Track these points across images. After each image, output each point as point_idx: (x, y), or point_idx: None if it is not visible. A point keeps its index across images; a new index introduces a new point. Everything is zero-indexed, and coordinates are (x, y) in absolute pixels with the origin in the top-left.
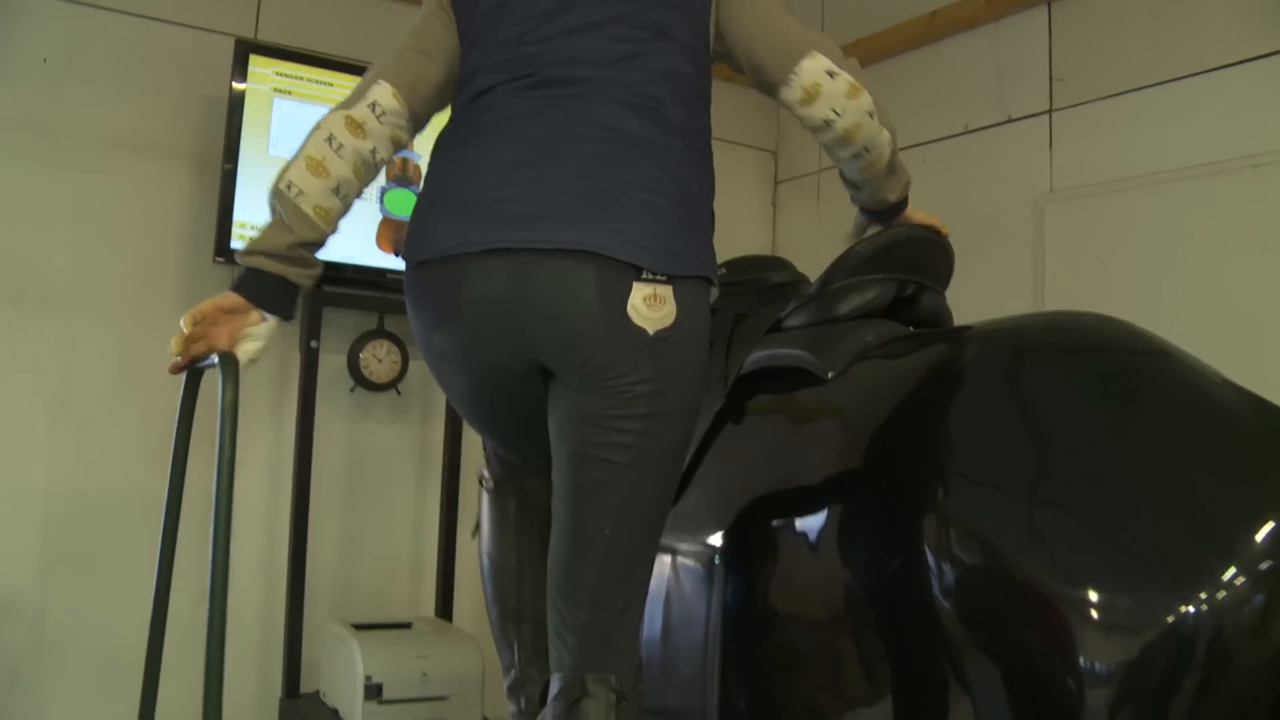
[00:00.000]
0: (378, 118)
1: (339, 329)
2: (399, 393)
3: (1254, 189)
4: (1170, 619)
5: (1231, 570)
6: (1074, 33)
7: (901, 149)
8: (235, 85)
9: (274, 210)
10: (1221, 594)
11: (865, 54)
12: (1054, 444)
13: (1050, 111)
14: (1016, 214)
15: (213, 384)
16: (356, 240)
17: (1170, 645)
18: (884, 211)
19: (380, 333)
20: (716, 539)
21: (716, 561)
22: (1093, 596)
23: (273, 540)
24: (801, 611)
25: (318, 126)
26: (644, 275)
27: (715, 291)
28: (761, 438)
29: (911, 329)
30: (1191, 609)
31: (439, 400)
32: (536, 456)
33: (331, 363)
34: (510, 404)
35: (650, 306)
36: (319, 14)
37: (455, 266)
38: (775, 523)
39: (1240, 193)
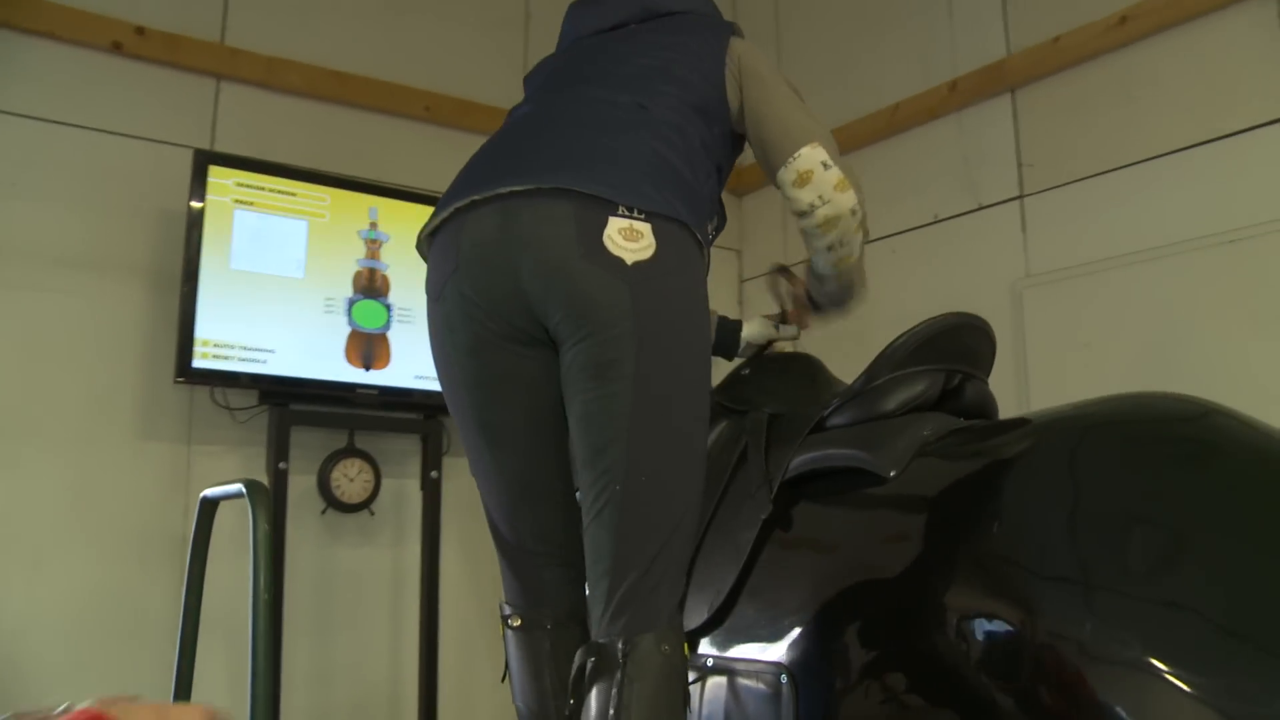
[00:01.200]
0: None
1: (305, 448)
2: (372, 513)
3: (1232, 264)
4: None
5: None
6: (1039, 119)
7: (871, 241)
8: (194, 198)
9: None
10: None
11: None
12: (1143, 529)
13: (1021, 197)
14: (994, 299)
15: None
16: (324, 355)
17: None
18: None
19: (351, 451)
20: (781, 655)
21: (783, 680)
22: (1222, 691)
23: (242, 671)
24: None
25: None
26: (619, 211)
27: (708, 254)
28: (821, 544)
29: (961, 421)
30: None
31: (413, 519)
32: (552, 514)
33: (299, 484)
34: (519, 396)
35: (626, 238)
36: (276, 124)
37: (454, 222)
38: (848, 635)
39: (1218, 268)
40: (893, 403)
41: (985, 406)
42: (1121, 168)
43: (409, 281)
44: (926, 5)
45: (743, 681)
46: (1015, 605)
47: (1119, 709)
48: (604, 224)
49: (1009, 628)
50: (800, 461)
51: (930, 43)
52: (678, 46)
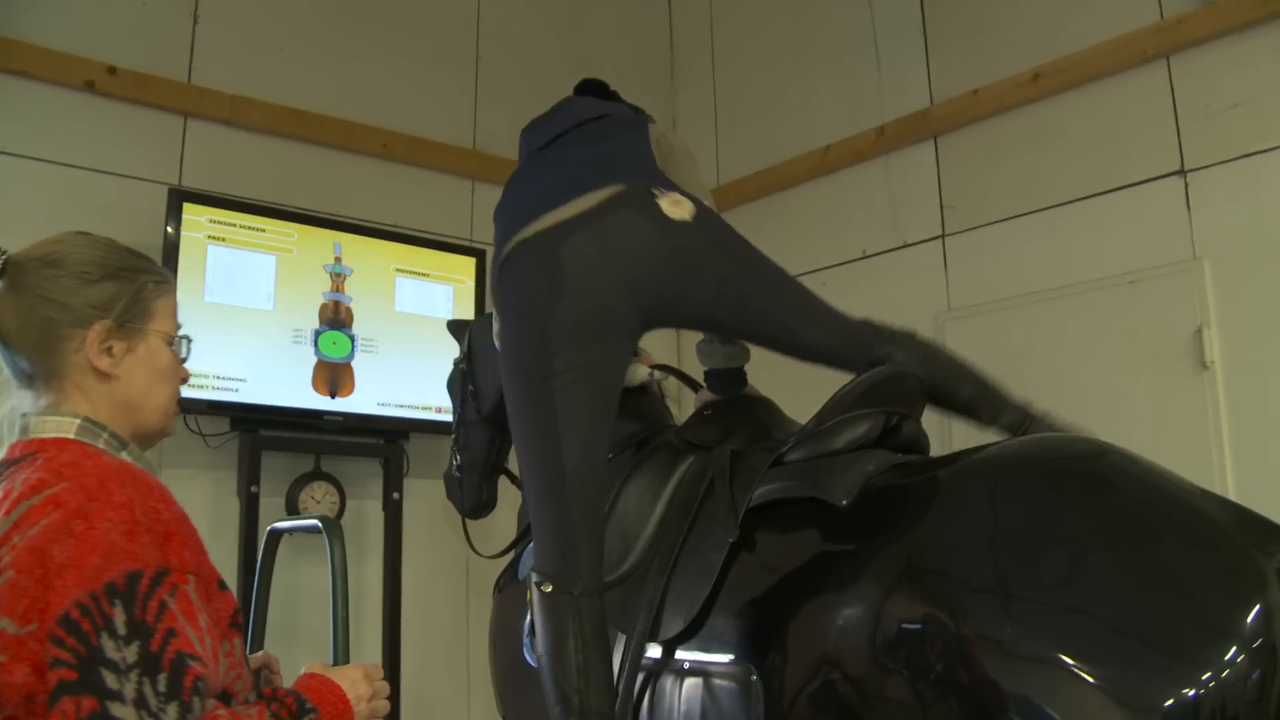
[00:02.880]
0: None
1: (273, 472)
2: None
3: (1130, 303)
4: (1190, 693)
5: (1233, 650)
6: (959, 164)
7: (803, 274)
8: (170, 233)
9: None
10: (1226, 672)
11: (764, 185)
12: (1050, 548)
13: (943, 236)
14: (919, 330)
15: None
16: (292, 383)
17: (1197, 713)
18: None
19: (318, 474)
20: (750, 657)
21: (753, 679)
22: (1120, 682)
23: None
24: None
25: None
26: (654, 191)
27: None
28: (782, 563)
29: (900, 456)
30: (1204, 688)
31: (375, 538)
32: None
33: (267, 506)
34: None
35: (676, 205)
36: (240, 160)
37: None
38: (808, 638)
39: (1118, 306)
40: (841, 441)
41: (918, 442)
42: (1033, 212)
43: (371, 313)
44: (856, 57)
45: (716, 681)
46: (947, 611)
47: (1032, 697)
48: (654, 201)
49: (941, 630)
50: (763, 492)
51: (860, 91)
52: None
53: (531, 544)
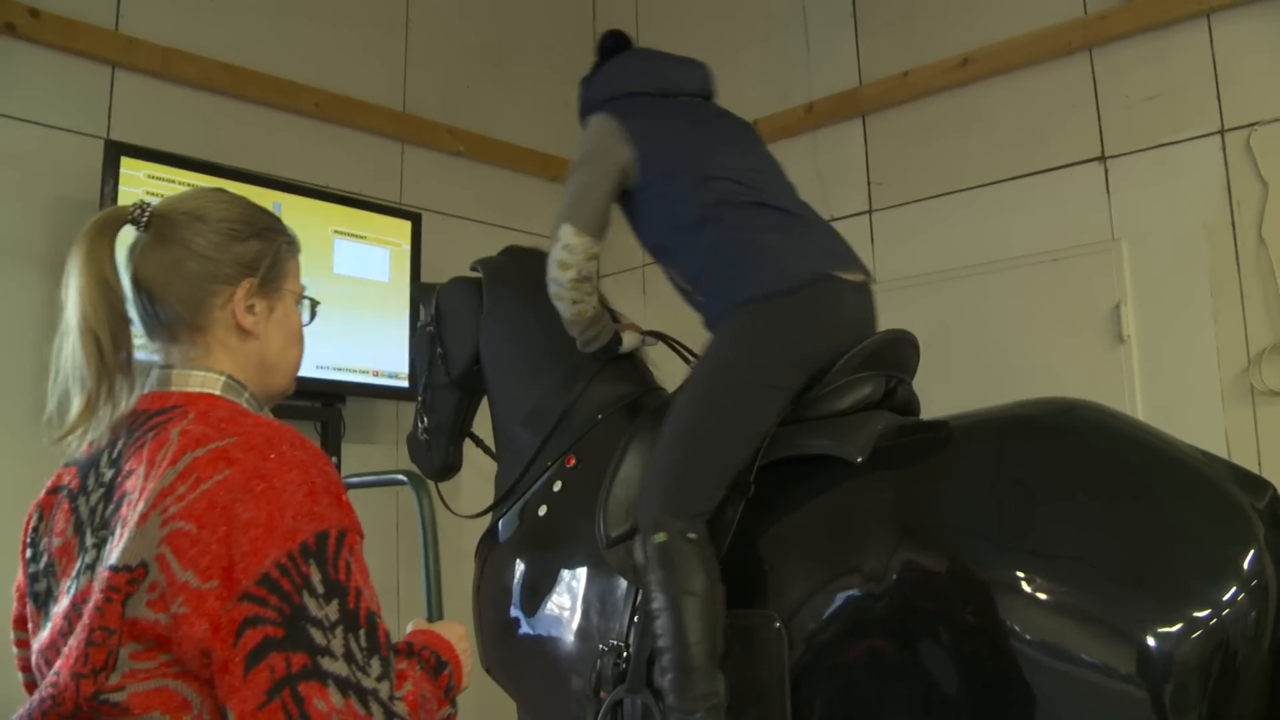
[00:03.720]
0: None
1: None
2: None
3: (1051, 280)
4: (1197, 633)
5: (1233, 590)
6: (887, 142)
7: None
8: (106, 188)
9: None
10: (1227, 611)
11: None
12: (1057, 498)
13: (870, 211)
14: None
15: None
16: None
17: (1206, 650)
18: None
19: None
20: (771, 605)
21: (776, 625)
22: (1132, 622)
23: None
24: (865, 657)
25: None
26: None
27: None
28: (801, 516)
29: (900, 418)
30: (1208, 626)
31: None
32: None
33: None
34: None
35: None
36: (172, 115)
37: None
38: (827, 587)
39: (1040, 283)
40: (846, 402)
41: (911, 405)
42: (959, 191)
43: (309, 274)
44: (785, 36)
45: (739, 625)
46: (959, 557)
47: (1049, 638)
48: None
49: (957, 575)
50: (775, 449)
51: (788, 69)
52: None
53: (514, 508)
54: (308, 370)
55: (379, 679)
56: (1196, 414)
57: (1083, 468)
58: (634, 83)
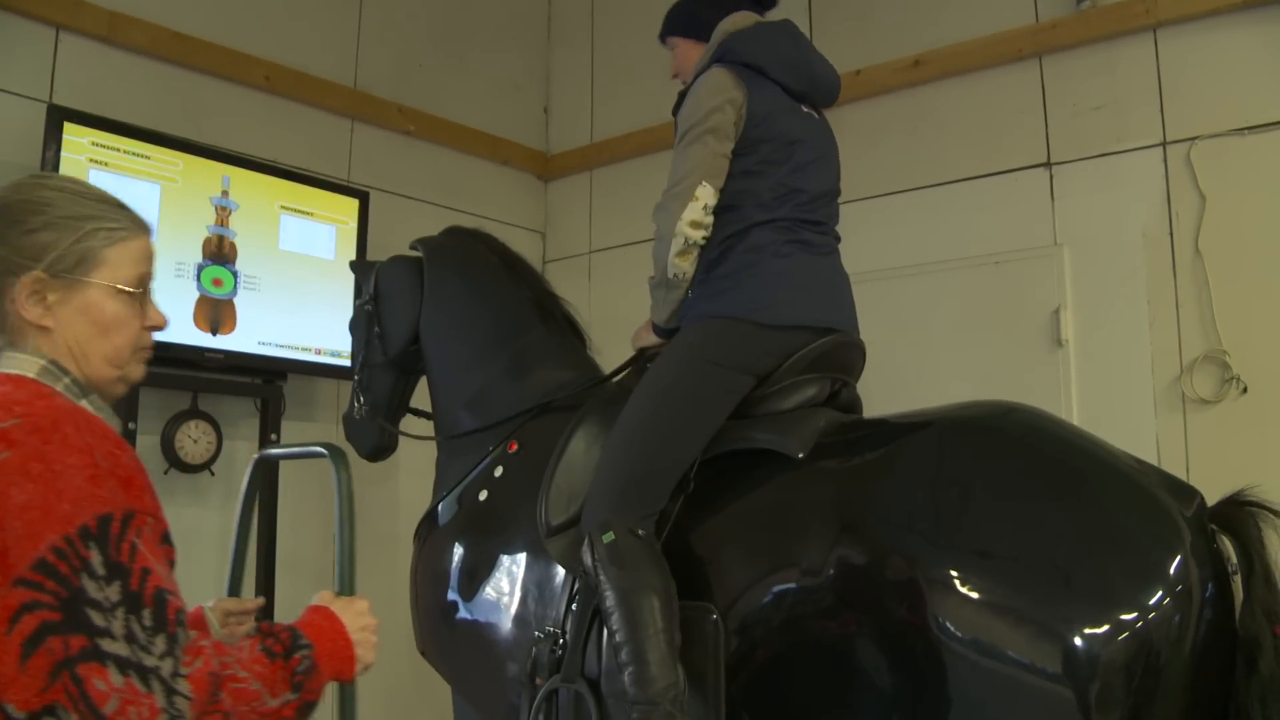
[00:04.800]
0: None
1: (150, 409)
2: (212, 474)
3: (993, 282)
4: (1123, 635)
5: (1158, 594)
6: (838, 140)
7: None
8: (48, 154)
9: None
10: (1153, 615)
11: (640, 145)
12: (989, 498)
13: None
14: None
15: None
16: (172, 318)
17: (1131, 651)
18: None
19: (194, 413)
20: (709, 600)
21: (714, 618)
22: (1061, 622)
23: None
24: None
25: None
26: None
27: None
28: (740, 510)
29: (844, 416)
30: (1133, 628)
31: None
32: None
33: (144, 444)
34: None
35: None
36: (118, 82)
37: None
38: (767, 579)
39: (982, 284)
40: (791, 403)
41: (855, 407)
42: (907, 190)
43: (255, 249)
44: None
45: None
46: (893, 553)
47: (980, 637)
48: None
49: (891, 571)
50: (717, 444)
51: None
52: None
53: (453, 493)
54: (248, 346)
55: (161, 656)
56: (1129, 420)
57: (1019, 470)
58: (773, 68)
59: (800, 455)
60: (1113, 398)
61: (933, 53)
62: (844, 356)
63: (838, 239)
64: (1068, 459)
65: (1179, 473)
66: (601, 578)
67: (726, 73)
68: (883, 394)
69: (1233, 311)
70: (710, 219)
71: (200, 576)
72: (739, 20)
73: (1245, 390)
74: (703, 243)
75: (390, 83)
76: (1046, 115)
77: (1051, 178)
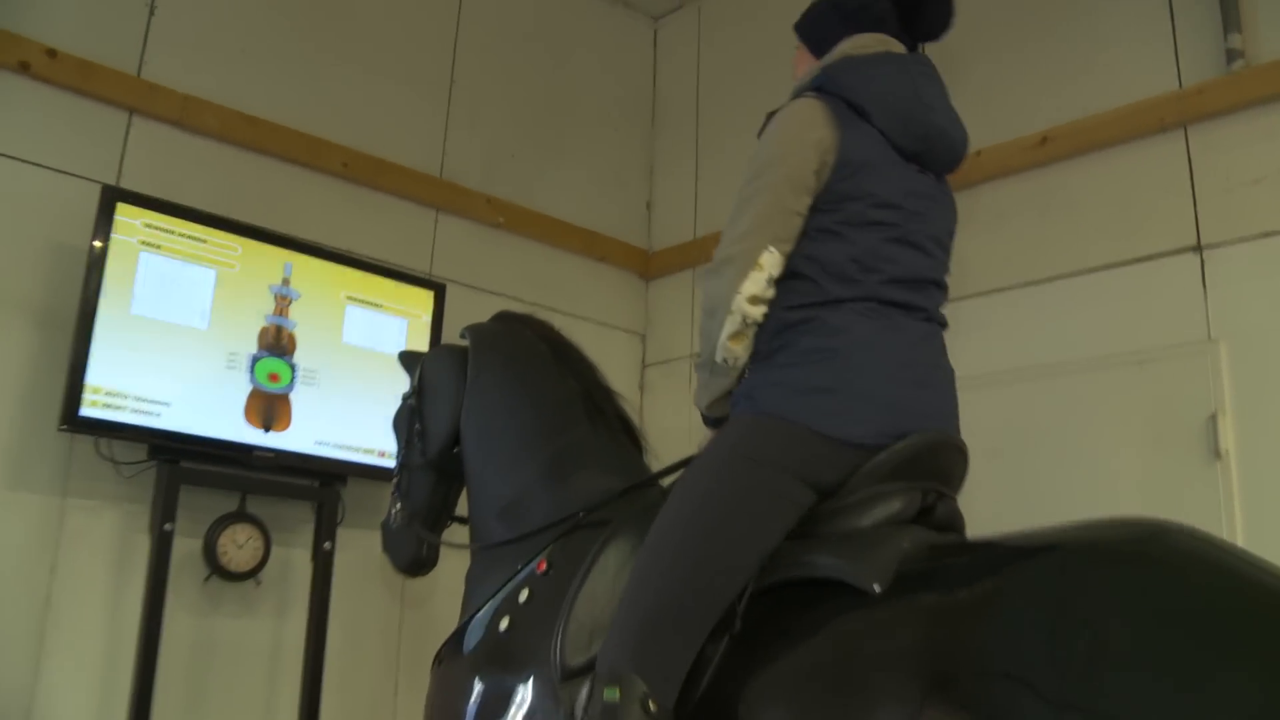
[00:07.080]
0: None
1: (192, 510)
2: (258, 582)
3: (1137, 383)
4: None
5: None
6: (959, 227)
7: None
8: (98, 236)
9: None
10: None
11: None
12: (1136, 651)
13: None
14: None
15: None
16: (222, 412)
17: None
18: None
19: (242, 515)
20: None
21: None
22: None
23: None
24: None
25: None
26: None
27: None
28: (799, 657)
29: (937, 535)
30: None
31: (300, 591)
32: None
33: (183, 546)
34: None
35: None
36: (187, 166)
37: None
38: None
39: (1125, 387)
40: (869, 520)
41: (954, 524)
42: (1037, 282)
43: (316, 342)
44: None
45: None
46: (992, 716)
47: None
48: None
49: None
50: (775, 571)
51: None
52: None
53: (480, 613)
54: (303, 446)
55: None
56: None
57: (1172, 612)
58: (876, 110)
59: (877, 588)
60: None
61: (1062, 128)
62: (939, 461)
63: (943, 324)
64: (1240, 596)
65: None
66: None
67: (819, 105)
68: (1001, 514)
69: None
70: (773, 292)
71: (246, 696)
72: (861, 43)
73: None
74: (762, 320)
75: (478, 173)
76: (1195, 192)
77: (1203, 263)
